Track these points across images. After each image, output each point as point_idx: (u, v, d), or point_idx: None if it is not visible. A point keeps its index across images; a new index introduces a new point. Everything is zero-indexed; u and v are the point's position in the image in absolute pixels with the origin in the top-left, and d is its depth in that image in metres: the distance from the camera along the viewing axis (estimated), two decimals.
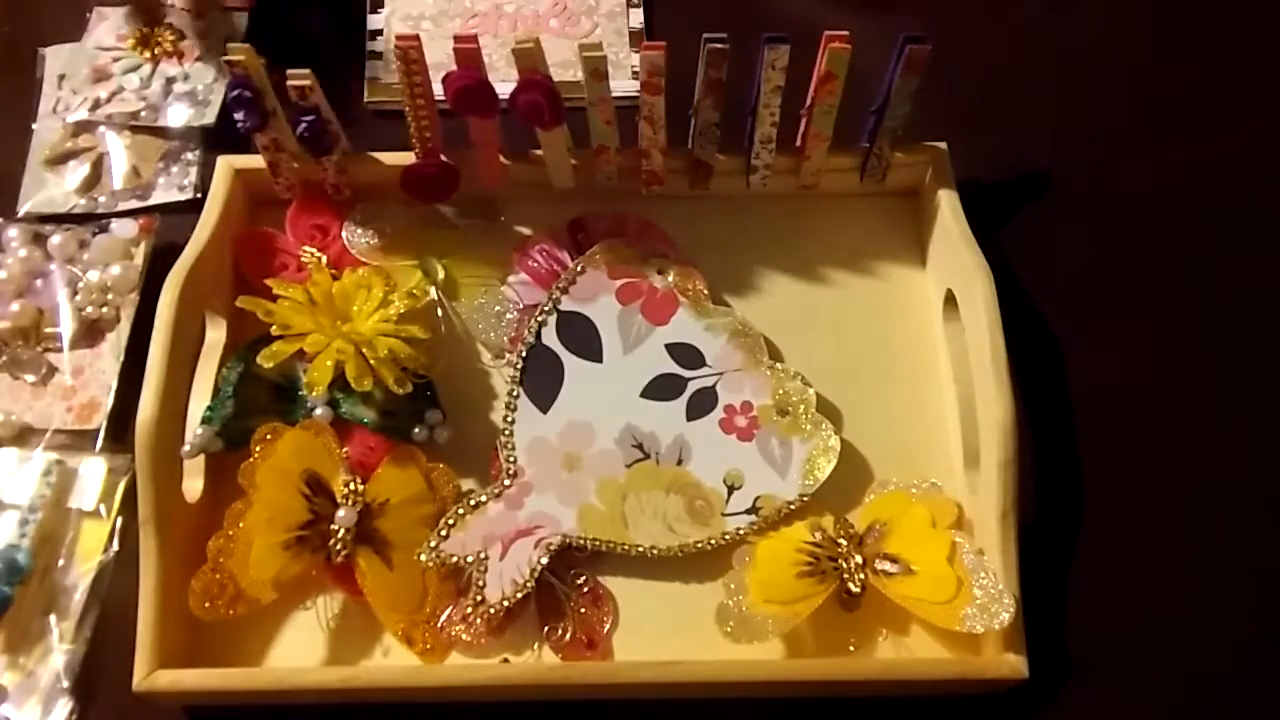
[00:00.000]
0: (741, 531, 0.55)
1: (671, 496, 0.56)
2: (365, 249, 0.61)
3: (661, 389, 0.59)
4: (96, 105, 0.69)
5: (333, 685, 0.51)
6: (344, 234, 0.62)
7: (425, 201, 0.63)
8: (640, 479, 0.56)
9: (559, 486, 0.56)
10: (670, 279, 0.61)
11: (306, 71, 0.56)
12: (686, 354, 0.59)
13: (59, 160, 0.68)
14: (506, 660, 0.53)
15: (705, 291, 0.61)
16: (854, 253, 0.64)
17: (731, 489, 0.56)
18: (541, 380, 0.59)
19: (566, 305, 0.60)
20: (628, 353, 0.59)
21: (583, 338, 0.60)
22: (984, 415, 0.54)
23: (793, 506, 0.56)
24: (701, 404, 0.58)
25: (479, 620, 0.53)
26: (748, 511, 0.56)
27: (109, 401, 0.60)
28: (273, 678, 0.51)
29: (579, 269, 0.61)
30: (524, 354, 0.59)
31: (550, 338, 0.59)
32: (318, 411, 0.56)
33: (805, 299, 0.63)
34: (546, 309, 0.60)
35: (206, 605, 0.52)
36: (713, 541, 0.55)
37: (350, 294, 0.58)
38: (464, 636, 0.53)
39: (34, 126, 0.69)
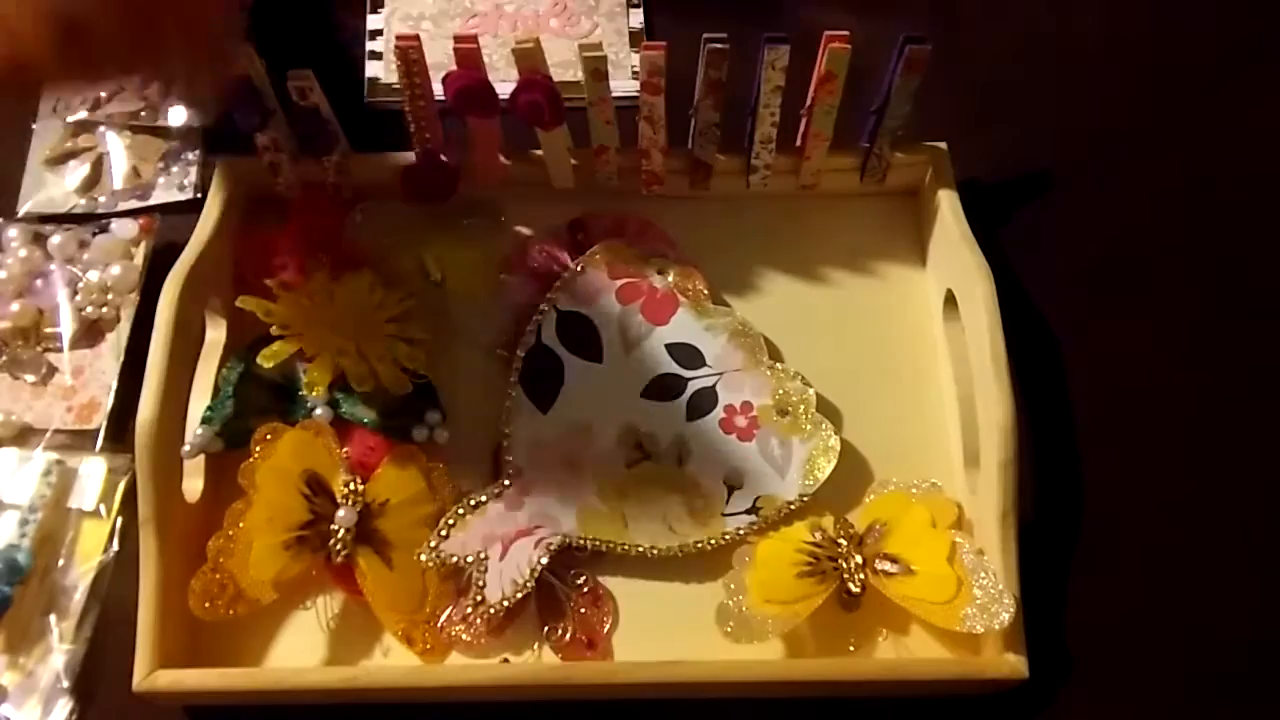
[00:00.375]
0: (741, 532, 0.55)
1: (671, 496, 0.56)
2: (365, 248, 0.61)
3: (662, 389, 0.59)
4: (96, 105, 0.69)
5: (333, 685, 0.51)
6: (344, 233, 0.62)
7: (425, 201, 0.63)
8: (640, 479, 0.57)
9: (559, 486, 0.56)
10: (670, 279, 0.61)
11: (306, 71, 0.56)
12: (686, 354, 0.59)
13: (59, 160, 0.68)
14: (506, 660, 0.53)
15: (705, 291, 0.61)
16: (854, 253, 0.64)
17: (731, 489, 0.56)
18: (541, 380, 0.59)
19: (566, 305, 0.60)
20: (628, 353, 0.59)
21: (583, 338, 0.60)
22: (984, 415, 0.54)
23: (793, 507, 0.56)
24: (701, 404, 0.58)
25: (479, 620, 0.53)
26: (748, 511, 0.56)
27: (109, 401, 0.60)
28: (273, 678, 0.51)
29: (579, 269, 0.61)
30: (524, 354, 0.59)
31: (550, 337, 0.59)
32: (318, 411, 0.56)
33: (805, 299, 0.63)
34: (546, 309, 0.60)
35: (206, 605, 0.52)
36: (713, 541, 0.55)
37: (350, 294, 0.58)
38: (464, 636, 0.53)
39: (34, 126, 0.69)
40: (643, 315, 0.60)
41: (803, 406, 0.58)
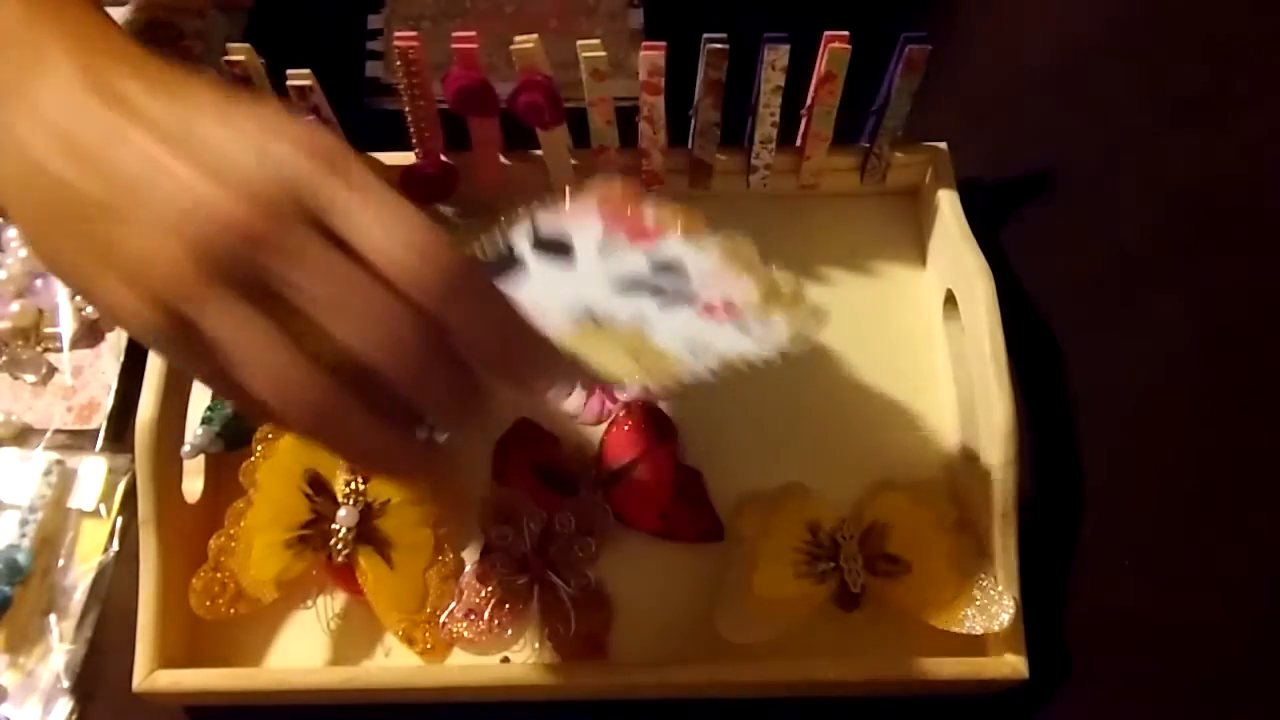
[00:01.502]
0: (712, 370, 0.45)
1: (622, 357, 0.46)
2: None
3: (635, 287, 0.49)
4: None
5: (334, 686, 0.51)
6: None
7: (425, 202, 0.63)
8: (587, 342, 0.46)
9: None
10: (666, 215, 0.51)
11: (306, 72, 0.56)
12: (670, 270, 0.50)
13: None
14: (506, 660, 0.53)
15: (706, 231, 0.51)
16: (854, 252, 0.64)
17: (695, 355, 0.46)
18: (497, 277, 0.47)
19: (545, 224, 0.51)
20: (604, 258, 0.50)
21: (556, 248, 0.50)
22: (984, 416, 0.54)
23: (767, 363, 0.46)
24: (677, 302, 0.49)
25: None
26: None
27: (109, 401, 0.60)
28: (273, 678, 0.51)
29: (567, 195, 0.52)
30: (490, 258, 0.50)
31: (521, 247, 0.50)
32: None
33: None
34: (521, 220, 0.51)
35: (208, 604, 0.52)
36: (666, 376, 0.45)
37: None
38: (465, 634, 0.53)
39: None
40: (627, 236, 0.51)
41: (790, 294, 0.49)
